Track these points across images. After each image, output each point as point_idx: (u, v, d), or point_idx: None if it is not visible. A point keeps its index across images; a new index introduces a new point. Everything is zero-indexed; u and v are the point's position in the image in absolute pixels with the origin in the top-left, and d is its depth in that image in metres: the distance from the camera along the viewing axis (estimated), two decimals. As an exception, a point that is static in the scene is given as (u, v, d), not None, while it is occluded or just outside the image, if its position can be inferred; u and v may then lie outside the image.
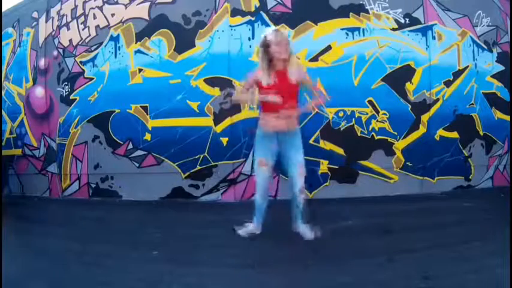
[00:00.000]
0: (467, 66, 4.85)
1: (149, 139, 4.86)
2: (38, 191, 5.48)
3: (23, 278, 2.64)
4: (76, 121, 5.13)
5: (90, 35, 5.08)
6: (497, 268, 2.48)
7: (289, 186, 3.18)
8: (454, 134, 4.87)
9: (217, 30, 4.65)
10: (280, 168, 3.31)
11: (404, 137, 4.77)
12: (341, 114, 4.66)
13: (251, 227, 3.32)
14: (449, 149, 4.87)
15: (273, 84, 2.99)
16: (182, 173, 4.83)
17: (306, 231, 3.16)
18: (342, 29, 4.61)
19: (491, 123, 5.00)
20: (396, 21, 4.69)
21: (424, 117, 4.77)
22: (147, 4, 4.82)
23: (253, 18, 4.62)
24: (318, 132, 4.64)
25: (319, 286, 2.50)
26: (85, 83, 5.08)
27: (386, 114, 4.70)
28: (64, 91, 5.20)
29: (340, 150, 4.71)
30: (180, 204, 4.72)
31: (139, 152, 4.92)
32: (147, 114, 4.83)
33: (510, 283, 2.23)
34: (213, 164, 4.76)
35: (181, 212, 4.48)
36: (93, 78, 5.04)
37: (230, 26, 4.63)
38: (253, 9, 4.63)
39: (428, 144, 4.80)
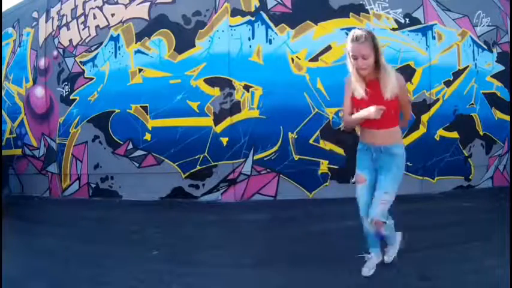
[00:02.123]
0: (467, 66, 4.85)
1: (149, 139, 4.86)
2: (38, 191, 5.48)
3: (23, 278, 2.64)
4: (76, 121, 5.13)
5: (90, 35, 5.08)
6: (497, 268, 2.49)
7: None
8: (454, 134, 4.87)
9: (217, 30, 4.65)
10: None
11: (404, 137, 4.76)
12: (341, 114, 4.65)
13: (372, 260, 2.70)
14: (449, 149, 4.87)
15: (366, 98, 2.40)
16: (182, 173, 4.83)
17: (390, 252, 2.72)
18: (342, 29, 4.61)
19: (491, 123, 5.00)
20: (396, 21, 4.69)
21: (424, 117, 4.76)
22: (147, 4, 4.82)
23: (253, 18, 4.62)
24: (318, 132, 4.64)
25: (319, 286, 2.51)
26: (85, 83, 5.08)
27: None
28: (64, 91, 5.19)
29: (340, 150, 4.70)
30: (180, 204, 4.72)
31: (139, 152, 4.92)
32: (147, 114, 4.83)
33: (510, 283, 2.22)
34: (213, 164, 4.75)
35: (181, 212, 4.48)
36: (93, 78, 5.04)
37: (230, 26, 4.63)
38: (253, 9, 4.63)
39: (428, 144, 4.80)
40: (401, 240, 2.75)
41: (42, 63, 5.31)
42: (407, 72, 4.69)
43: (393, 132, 2.45)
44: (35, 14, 5.42)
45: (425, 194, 4.74)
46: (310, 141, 4.64)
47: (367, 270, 2.64)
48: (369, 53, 2.30)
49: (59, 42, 5.23)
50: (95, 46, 5.04)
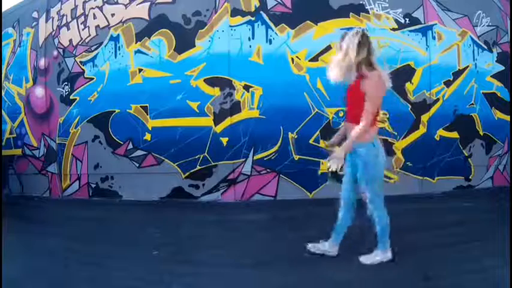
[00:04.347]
0: (467, 66, 4.85)
1: (149, 139, 4.86)
2: (38, 191, 5.48)
3: (23, 278, 2.64)
4: (76, 121, 5.13)
5: (90, 35, 5.08)
6: (497, 268, 2.48)
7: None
8: (454, 134, 4.87)
9: (217, 30, 4.65)
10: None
11: (404, 137, 4.76)
12: (341, 114, 4.65)
13: (323, 244, 2.87)
14: (449, 149, 4.87)
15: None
16: (182, 173, 4.83)
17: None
18: (342, 29, 4.58)
19: (491, 123, 5.00)
20: (396, 21, 4.69)
21: (424, 117, 4.77)
22: (147, 4, 4.82)
23: (253, 18, 4.62)
24: (318, 132, 4.64)
25: (319, 286, 2.50)
26: (85, 83, 5.08)
27: (386, 114, 4.70)
28: (64, 91, 5.19)
29: (340, 150, 4.70)
30: (180, 204, 4.72)
31: (139, 152, 4.92)
32: (147, 114, 4.83)
33: (510, 283, 2.22)
34: (213, 164, 4.75)
35: (181, 212, 4.47)
36: (93, 78, 5.04)
37: (230, 26, 4.63)
38: (253, 9, 4.63)
39: (428, 144, 4.80)
40: (387, 257, 2.70)
41: (42, 63, 5.31)
42: (407, 72, 4.70)
43: (358, 130, 2.54)
44: (35, 14, 5.42)
45: (425, 194, 4.74)
46: (310, 141, 4.64)
47: (312, 245, 2.88)
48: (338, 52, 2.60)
49: (59, 42, 5.23)
50: (95, 46, 5.04)
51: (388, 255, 2.72)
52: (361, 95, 2.53)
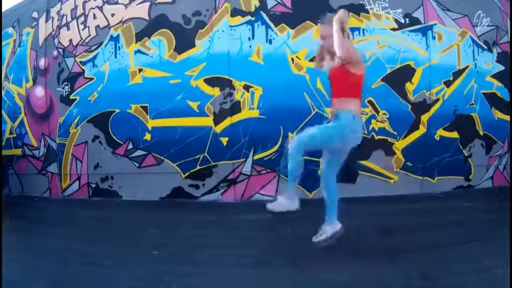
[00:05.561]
0: (467, 66, 4.85)
1: (149, 139, 4.86)
2: (38, 191, 5.48)
3: (23, 278, 2.64)
4: (76, 121, 5.13)
5: (90, 35, 5.08)
6: (497, 268, 2.48)
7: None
8: (454, 134, 4.87)
9: (217, 30, 4.66)
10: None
11: (404, 137, 4.77)
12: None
13: (281, 200, 2.96)
14: (449, 149, 4.87)
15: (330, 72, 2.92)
16: (182, 173, 4.83)
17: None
18: (342, 29, 4.61)
19: (491, 123, 5.00)
20: (396, 21, 4.69)
21: (424, 117, 4.77)
22: (147, 4, 4.82)
23: (253, 18, 4.62)
24: (318, 132, 4.63)
25: (319, 286, 2.50)
26: (85, 83, 5.08)
27: (386, 114, 4.70)
28: (64, 91, 5.20)
29: (340, 150, 4.70)
30: (180, 204, 4.72)
31: (139, 152, 4.92)
32: (147, 114, 4.83)
33: (510, 283, 2.22)
34: (213, 164, 4.75)
35: (181, 212, 4.47)
36: (93, 78, 5.04)
37: (230, 26, 4.63)
38: (253, 9, 4.64)
39: (428, 144, 4.80)
40: (336, 231, 2.98)
41: (42, 63, 5.32)
42: (407, 72, 4.70)
43: (342, 101, 2.81)
44: (35, 14, 5.43)
45: (425, 194, 4.74)
46: (310, 141, 4.64)
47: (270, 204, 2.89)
48: (327, 34, 2.87)
49: (59, 42, 5.24)
50: (95, 46, 5.04)
51: (338, 226, 2.96)
52: (345, 72, 2.73)
